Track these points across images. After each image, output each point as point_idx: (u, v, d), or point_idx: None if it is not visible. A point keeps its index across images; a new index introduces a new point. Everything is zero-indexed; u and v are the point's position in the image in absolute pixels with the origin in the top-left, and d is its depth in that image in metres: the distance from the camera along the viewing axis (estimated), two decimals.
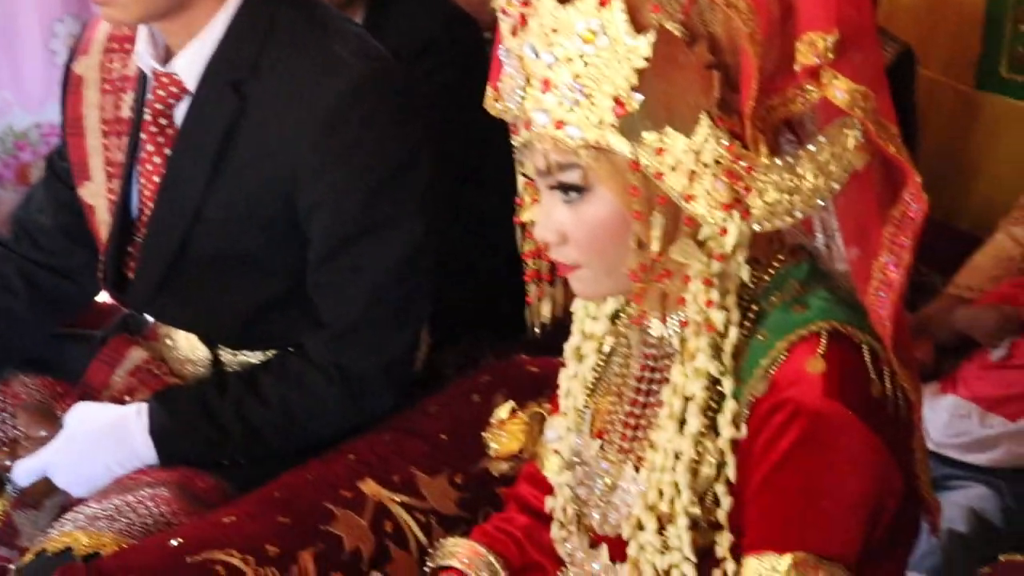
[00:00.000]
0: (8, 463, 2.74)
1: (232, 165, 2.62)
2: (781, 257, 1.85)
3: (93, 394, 2.82)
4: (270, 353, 2.77)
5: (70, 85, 2.86)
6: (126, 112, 2.77)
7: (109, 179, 2.79)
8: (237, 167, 2.61)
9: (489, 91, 1.93)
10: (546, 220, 1.83)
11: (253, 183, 2.61)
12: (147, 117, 2.69)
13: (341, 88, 2.55)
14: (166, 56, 2.63)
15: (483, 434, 2.33)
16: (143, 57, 2.65)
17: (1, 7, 4.64)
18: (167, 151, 2.67)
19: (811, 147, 1.73)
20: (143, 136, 2.71)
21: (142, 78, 2.71)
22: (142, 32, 2.62)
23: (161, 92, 2.64)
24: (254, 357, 2.79)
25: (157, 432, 2.62)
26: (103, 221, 2.82)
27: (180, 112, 2.64)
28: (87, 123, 2.83)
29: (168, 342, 2.88)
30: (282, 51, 2.60)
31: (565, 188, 1.78)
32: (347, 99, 2.55)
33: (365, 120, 2.58)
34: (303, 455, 2.63)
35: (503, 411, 2.31)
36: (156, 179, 2.69)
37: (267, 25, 2.59)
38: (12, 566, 2.64)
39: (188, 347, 2.85)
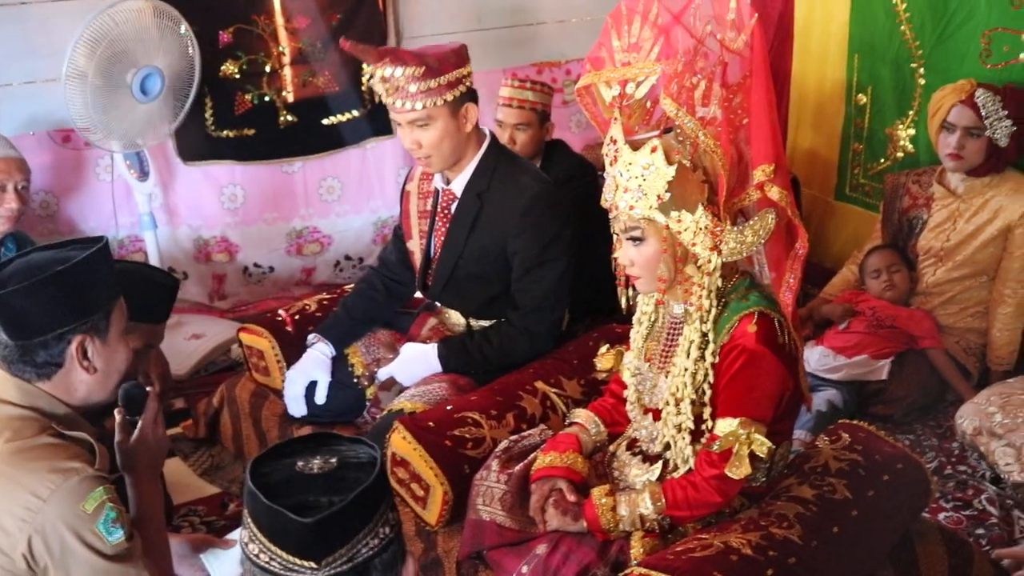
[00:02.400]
0: (375, 370, 3.01)
1: (476, 232, 2.86)
2: (736, 276, 2.15)
3: (413, 339, 3.07)
4: (493, 321, 2.98)
5: (404, 195, 3.10)
6: (428, 207, 3.01)
7: (420, 238, 3.03)
8: (478, 233, 2.86)
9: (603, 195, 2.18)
10: (623, 254, 2.15)
11: (486, 241, 2.85)
12: (439, 209, 2.96)
13: (526, 201, 2.78)
14: (447, 181, 2.90)
15: (594, 360, 2.55)
16: (438, 182, 2.94)
17: (375, 162, 4.99)
18: (447, 226, 2.93)
19: (751, 222, 2.07)
20: (437, 219, 2.97)
21: (436, 192, 2.97)
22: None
23: (445, 198, 2.93)
24: (487, 323, 2.99)
25: (441, 357, 2.88)
26: (417, 259, 3.06)
27: (453, 207, 2.91)
28: (411, 212, 3.07)
29: (446, 315, 3.10)
30: (498, 179, 2.83)
31: (633, 238, 2.12)
32: (529, 204, 2.78)
33: (538, 213, 2.79)
34: (509, 370, 2.85)
35: (604, 349, 2.51)
36: (442, 238, 2.95)
37: (493, 166, 2.84)
38: (377, 418, 2.88)
39: (455, 318, 3.07)
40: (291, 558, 1.31)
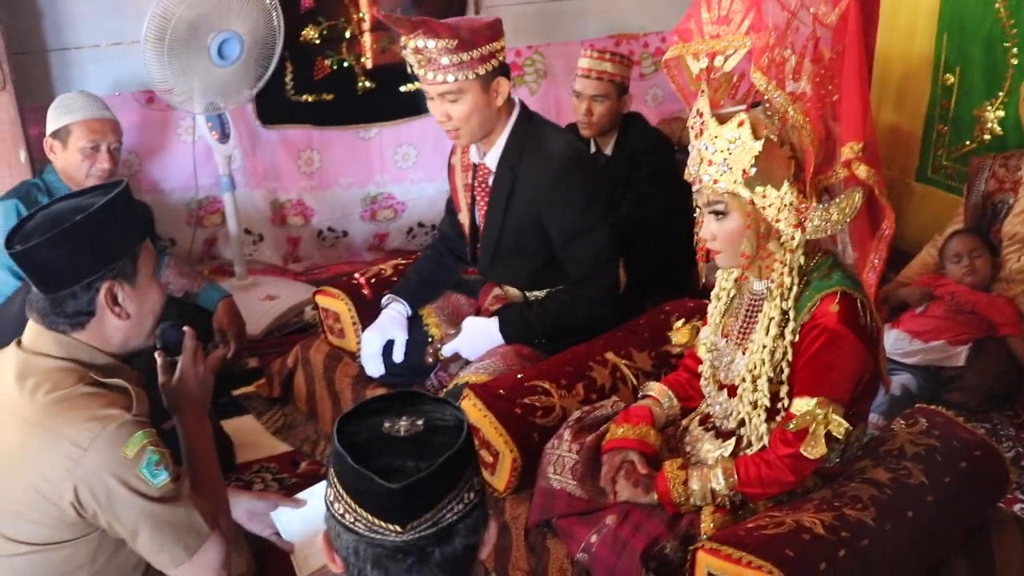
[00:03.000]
0: (439, 345, 3.00)
1: (512, 203, 2.86)
2: (819, 254, 2.12)
3: (479, 307, 3.13)
4: (547, 290, 2.99)
5: (449, 169, 3.14)
6: (469, 180, 3.02)
7: (467, 211, 3.06)
8: (515, 204, 2.86)
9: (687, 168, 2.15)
10: (705, 229, 2.13)
11: (522, 212, 2.85)
12: (478, 184, 2.98)
13: (554, 169, 2.78)
14: (482, 155, 2.91)
15: (668, 333, 2.60)
16: (473, 155, 2.95)
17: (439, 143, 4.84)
18: (487, 200, 2.95)
19: (837, 200, 2.04)
20: (477, 193, 2.99)
21: (474, 165, 2.98)
22: (472, 146, 2.92)
23: (482, 173, 2.95)
24: (541, 293, 3.00)
25: (502, 329, 2.90)
26: (467, 231, 3.10)
27: (490, 181, 2.92)
28: (457, 185, 3.10)
29: (506, 289, 3.11)
30: (529, 150, 2.82)
31: (716, 212, 2.09)
32: (558, 174, 2.78)
33: (567, 182, 2.79)
34: (576, 341, 2.84)
35: (679, 323, 2.55)
36: (483, 212, 2.96)
37: (522, 138, 2.83)
38: (447, 387, 2.87)
39: (512, 290, 3.09)
40: (376, 520, 1.31)
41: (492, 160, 2.89)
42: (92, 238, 1.86)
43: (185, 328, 2.13)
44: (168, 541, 1.84)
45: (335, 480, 1.36)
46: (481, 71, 2.70)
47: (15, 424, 1.81)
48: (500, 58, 2.76)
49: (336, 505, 1.35)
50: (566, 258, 2.87)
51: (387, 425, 1.37)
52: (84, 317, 1.90)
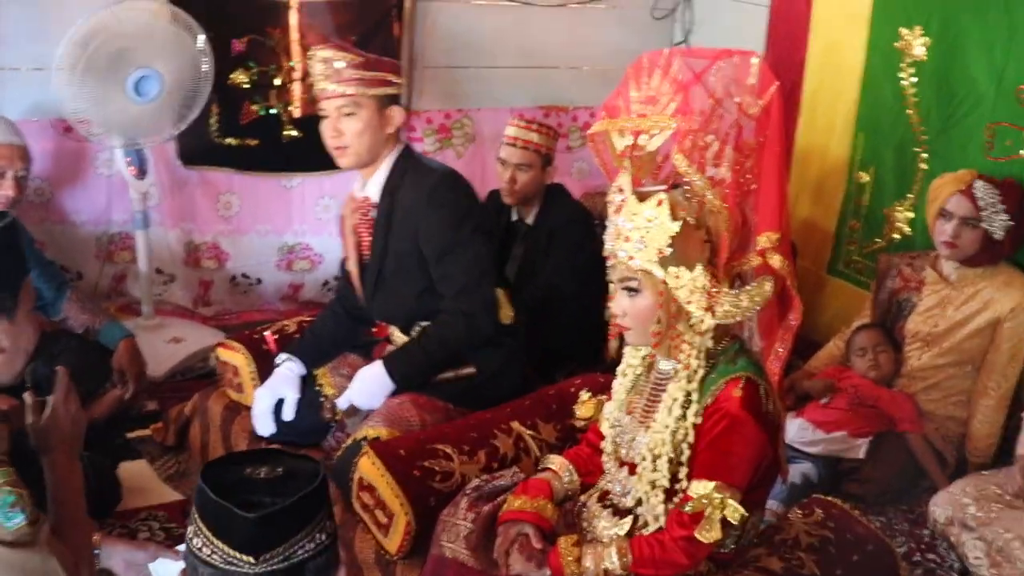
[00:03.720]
0: (336, 400, 2.98)
1: (392, 230, 2.91)
2: (727, 339, 2.14)
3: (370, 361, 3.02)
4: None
5: (341, 221, 3.16)
6: (357, 221, 3.06)
7: (355, 253, 3.08)
8: (395, 230, 2.91)
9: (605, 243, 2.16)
10: (617, 304, 2.13)
11: (401, 232, 2.89)
12: (363, 220, 3.02)
13: (428, 186, 2.85)
14: (363, 187, 2.98)
15: (574, 407, 2.57)
16: (357, 192, 3.03)
17: None
18: (370, 232, 2.99)
19: (748, 288, 2.06)
20: (362, 231, 3.03)
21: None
22: (356, 182, 3.00)
23: (364, 206, 3.00)
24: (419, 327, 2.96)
25: (388, 369, 2.88)
26: (355, 276, 3.10)
27: (372, 212, 2.97)
28: (346, 233, 3.12)
29: (395, 338, 3.08)
30: (408, 178, 2.89)
31: (629, 289, 2.10)
32: (432, 188, 2.85)
33: (440, 196, 2.85)
34: (485, 406, 2.83)
35: (585, 396, 2.53)
36: (367, 243, 3.01)
37: (404, 168, 2.90)
38: (344, 444, 2.82)
39: (400, 338, 3.05)
40: (232, 552, 1.41)
41: (374, 190, 2.95)
42: None
43: (58, 368, 2.09)
44: None
45: (196, 516, 1.44)
46: (379, 92, 2.83)
47: None
48: (398, 90, 2.91)
49: (195, 540, 1.44)
50: (441, 276, 2.90)
51: (248, 470, 1.48)
52: None
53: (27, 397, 2.04)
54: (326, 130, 2.87)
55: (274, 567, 1.41)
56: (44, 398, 2.04)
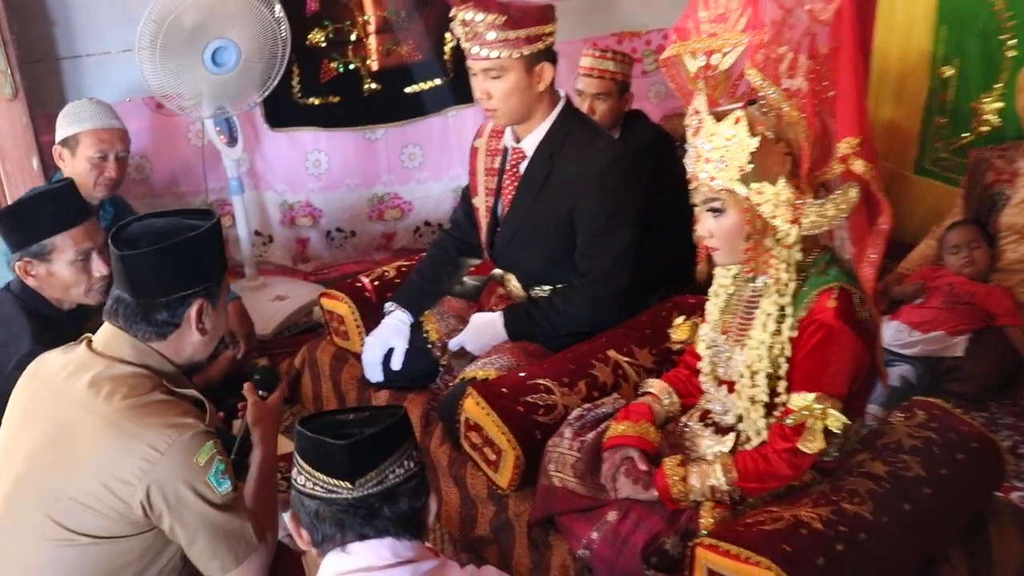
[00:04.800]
0: (447, 339, 2.98)
1: (545, 192, 2.80)
2: (816, 250, 2.10)
3: (482, 308, 3.05)
4: (550, 287, 2.93)
5: (472, 151, 3.07)
6: (496, 165, 2.95)
7: (486, 196, 2.99)
8: (547, 193, 2.80)
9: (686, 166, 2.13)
10: (703, 226, 2.12)
11: (555, 201, 2.78)
12: (507, 168, 2.90)
13: (598, 164, 2.73)
14: (517, 139, 2.86)
15: (669, 331, 2.56)
16: (507, 139, 2.89)
17: (455, 130, 4.90)
18: (516, 184, 2.88)
19: (832, 196, 2.01)
20: (505, 177, 2.92)
21: (505, 150, 2.91)
22: (507, 129, 2.88)
23: (514, 157, 2.88)
24: (545, 289, 2.92)
25: (507, 325, 2.86)
26: (483, 216, 3.02)
27: (522, 167, 2.86)
28: (477, 169, 3.03)
29: (510, 285, 3.02)
30: (572, 141, 2.77)
31: (713, 210, 2.08)
32: (602, 169, 2.72)
33: (610, 177, 2.73)
34: (581, 338, 2.80)
35: (679, 320, 2.51)
36: (510, 197, 2.90)
37: (567, 129, 2.78)
38: (450, 385, 2.86)
39: (516, 288, 3.00)
40: (331, 480, 1.55)
41: (529, 145, 2.84)
42: (195, 256, 1.95)
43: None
44: (221, 549, 1.91)
45: (297, 457, 1.59)
46: (526, 51, 2.65)
47: (92, 423, 1.85)
48: (548, 43, 2.70)
49: (299, 479, 1.59)
50: (587, 254, 2.82)
51: (339, 417, 1.66)
52: (170, 328, 1.97)
53: (248, 393, 2.25)
54: (476, 88, 2.76)
55: (370, 490, 1.56)
56: (265, 393, 2.28)
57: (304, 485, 1.59)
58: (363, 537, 1.59)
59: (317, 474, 1.57)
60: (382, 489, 1.57)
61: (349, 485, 1.56)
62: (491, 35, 2.61)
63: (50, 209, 2.56)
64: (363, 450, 1.55)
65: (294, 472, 1.61)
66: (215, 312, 2.02)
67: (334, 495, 1.56)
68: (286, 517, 2.28)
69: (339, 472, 1.55)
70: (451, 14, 2.69)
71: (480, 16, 2.60)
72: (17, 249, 2.55)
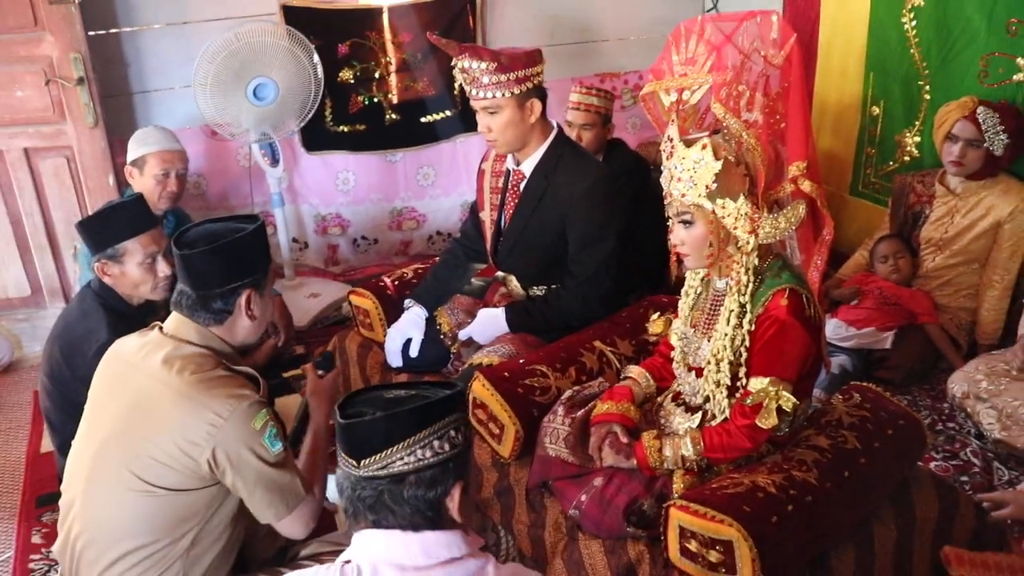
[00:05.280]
0: (457, 330, 2.95)
1: (541, 207, 2.77)
2: (771, 256, 2.07)
3: (487, 305, 3.01)
4: (546, 287, 2.89)
5: (479, 173, 3.04)
6: (499, 185, 2.93)
7: (491, 210, 2.96)
8: (543, 208, 2.76)
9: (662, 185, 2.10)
10: (675, 235, 2.09)
11: (549, 215, 2.75)
12: (510, 187, 2.87)
13: (587, 183, 2.69)
14: (517, 162, 2.82)
15: (646, 324, 2.51)
16: (509, 163, 2.86)
17: (463, 153, 4.86)
18: (516, 201, 2.84)
19: (784, 211, 1.99)
20: (508, 195, 2.88)
21: (508, 172, 2.88)
22: (509, 155, 2.83)
23: (515, 178, 2.84)
24: (542, 289, 2.89)
25: (508, 319, 2.84)
26: (488, 228, 3.00)
27: (522, 186, 2.82)
28: (484, 188, 3.01)
29: (511, 285, 2.99)
30: (564, 164, 2.74)
31: (684, 221, 2.05)
32: (590, 187, 2.69)
33: (597, 195, 2.70)
34: (566, 330, 2.76)
35: (655, 315, 2.48)
36: (511, 212, 2.86)
37: (559, 153, 2.75)
38: (459, 370, 2.84)
39: (516, 287, 2.97)
40: (343, 454, 1.39)
41: (528, 167, 2.81)
42: (242, 254, 1.97)
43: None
44: (276, 499, 1.93)
45: (337, 432, 1.42)
46: (516, 91, 2.64)
47: (167, 393, 1.88)
48: (535, 82, 2.69)
49: (339, 452, 1.43)
50: (577, 260, 2.78)
51: (386, 393, 1.43)
52: (224, 315, 1.99)
53: (308, 371, 2.32)
54: (479, 124, 2.74)
55: (374, 472, 1.36)
56: (324, 373, 2.33)
57: (339, 458, 1.44)
58: (376, 524, 1.38)
59: (340, 447, 1.41)
60: (387, 474, 1.36)
61: (355, 463, 1.37)
62: (486, 79, 2.60)
63: (123, 219, 2.55)
64: (362, 432, 1.36)
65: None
66: (262, 300, 2.03)
67: (347, 470, 1.40)
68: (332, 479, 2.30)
69: (348, 450, 1.39)
70: (452, 63, 2.68)
71: (475, 64, 2.60)
72: (96, 252, 2.54)
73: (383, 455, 1.35)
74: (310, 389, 2.25)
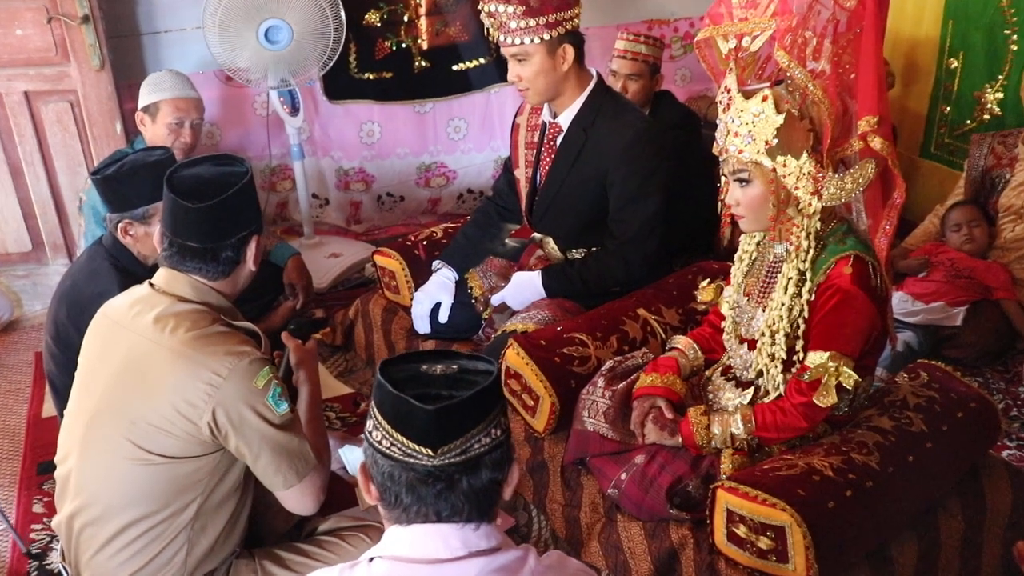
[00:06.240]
0: (490, 295, 2.97)
1: (579, 163, 2.77)
2: (834, 220, 2.07)
3: (523, 268, 3.01)
4: (586, 250, 2.90)
5: (513, 127, 3.05)
6: (535, 139, 2.93)
7: (526, 167, 2.96)
8: (581, 164, 2.77)
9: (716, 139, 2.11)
10: (731, 195, 2.09)
11: (589, 169, 2.75)
12: (545, 141, 2.87)
13: (629, 135, 2.69)
14: (554, 115, 2.83)
15: (694, 292, 2.54)
16: (545, 115, 2.87)
17: (498, 105, 4.85)
18: (553, 156, 2.84)
19: (852, 170, 1.98)
20: (543, 150, 2.89)
21: (544, 125, 2.89)
22: (545, 105, 2.85)
23: (551, 131, 2.85)
24: (580, 251, 2.90)
25: (545, 283, 2.84)
26: (523, 186, 2.99)
27: (559, 140, 2.82)
28: (519, 143, 3.00)
29: (548, 248, 2.99)
30: (604, 116, 2.74)
31: (740, 180, 2.05)
32: (632, 139, 2.69)
33: (640, 148, 2.69)
34: (613, 297, 2.78)
35: (704, 282, 2.47)
36: (547, 168, 2.86)
37: (599, 105, 2.75)
38: (491, 337, 2.86)
39: (554, 250, 2.97)
40: (411, 444, 1.30)
41: (565, 120, 2.80)
42: (248, 198, 1.99)
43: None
44: (284, 465, 1.93)
45: (375, 410, 1.34)
46: (546, 36, 2.62)
47: (161, 354, 1.87)
48: (569, 26, 2.67)
49: (375, 433, 1.34)
50: (618, 219, 2.77)
51: (424, 368, 1.37)
52: (232, 265, 2.00)
53: (287, 340, 2.24)
54: (509, 72, 2.73)
55: (452, 459, 1.30)
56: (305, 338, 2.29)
57: (380, 442, 1.33)
58: (437, 516, 1.33)
59: (396, 435, 1.30)
60: (465, 459, 1.30)
61: (431, 452, 1.29)
62: (512, 24, 2.60)
63: (155, 179, 2.56)
64: (452, 417, 1.29)
65: (369, 424, 1.36)
66: (261, 243, 2.07)
67: (412, 460, 1.30)
68: (341, 452, 2.33)
69: (422, 438, 1.29)
70: (479, 6, 2.68)
71: (502, 7, 2.59)
72: (119, 211, 2.54)
73: (464, 439, 1.30)
74: (298, 358, 2.20)
